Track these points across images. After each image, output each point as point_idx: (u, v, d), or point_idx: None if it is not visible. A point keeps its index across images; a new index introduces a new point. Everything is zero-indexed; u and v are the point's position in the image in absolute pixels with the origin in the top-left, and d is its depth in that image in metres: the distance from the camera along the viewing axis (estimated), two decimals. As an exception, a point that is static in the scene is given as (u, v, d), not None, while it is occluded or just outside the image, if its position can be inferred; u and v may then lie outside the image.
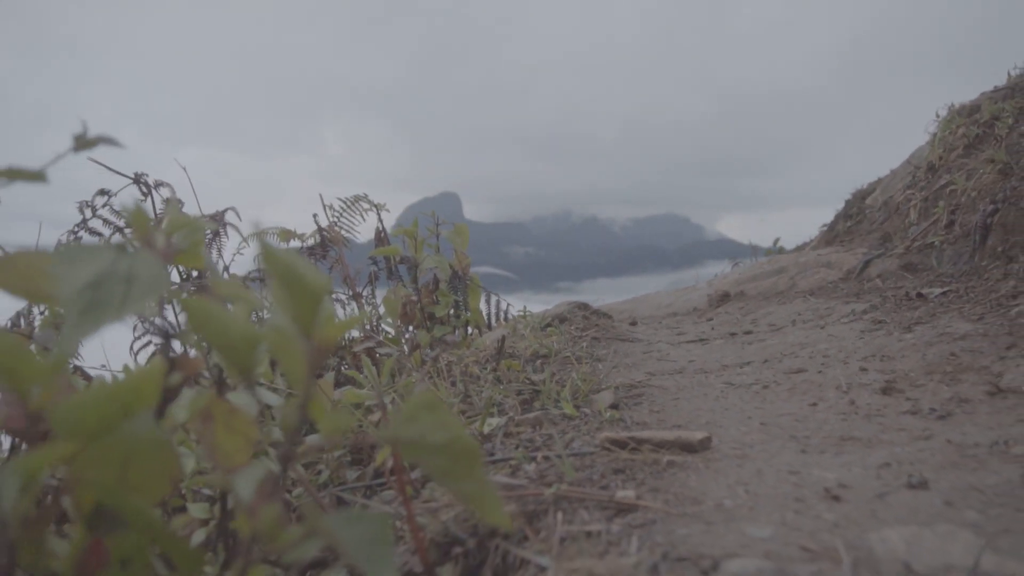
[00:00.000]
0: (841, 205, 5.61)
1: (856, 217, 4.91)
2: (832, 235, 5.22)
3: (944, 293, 2.39)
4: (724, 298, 3.74)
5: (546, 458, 1.37)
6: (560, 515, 1.06)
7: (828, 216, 5.79)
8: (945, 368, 1.79)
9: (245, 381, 0.52)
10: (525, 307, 3.31)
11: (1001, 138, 2.93)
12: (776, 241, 7.45)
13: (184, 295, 0.57)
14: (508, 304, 3.23)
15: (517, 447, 1.49)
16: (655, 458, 1.27)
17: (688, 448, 1.32)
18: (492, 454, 1.48)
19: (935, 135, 3.75)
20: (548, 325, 3.03)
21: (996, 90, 4.15)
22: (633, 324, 3.57)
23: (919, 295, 2.47)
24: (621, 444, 1.33)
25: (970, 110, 3.96)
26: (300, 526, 0.48)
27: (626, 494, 1.10)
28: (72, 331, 0.49)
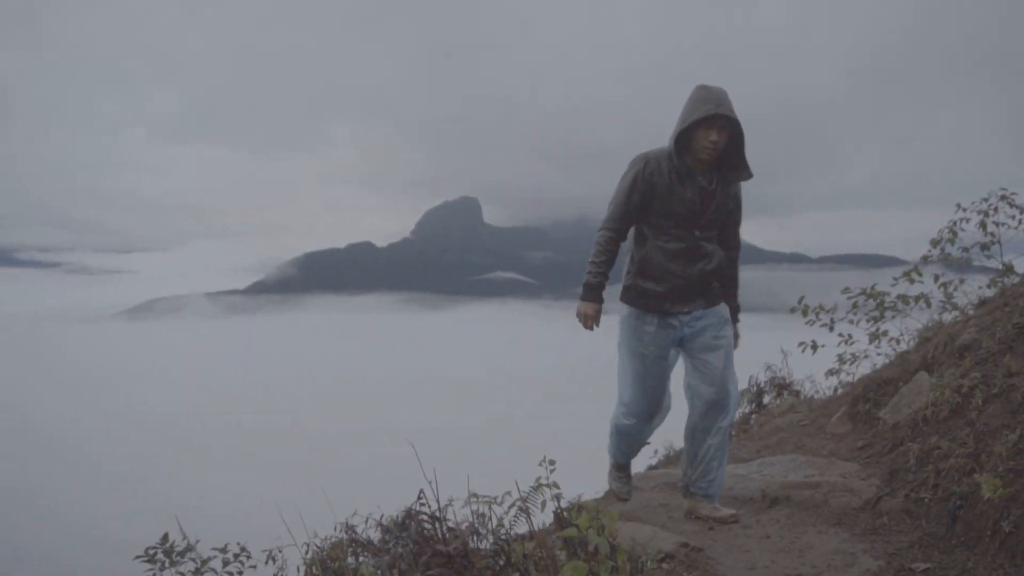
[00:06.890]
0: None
1: (873, 401, 6.04)
2: (854, 411, 6.40)
3: (924, 571, 3.38)
4: (774, 503, 4.86)
5: None
6: None
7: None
8: None
9: None
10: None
11: (972, 421, 3.86)
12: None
13: None
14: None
15: None
16: None
17: None
18: None
19: (934, 384, 4.66)
20: None
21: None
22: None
23: (909, 569, 3.52)
24: None
25: (960, 351, 5.02)
26: None
27: None
28: None
